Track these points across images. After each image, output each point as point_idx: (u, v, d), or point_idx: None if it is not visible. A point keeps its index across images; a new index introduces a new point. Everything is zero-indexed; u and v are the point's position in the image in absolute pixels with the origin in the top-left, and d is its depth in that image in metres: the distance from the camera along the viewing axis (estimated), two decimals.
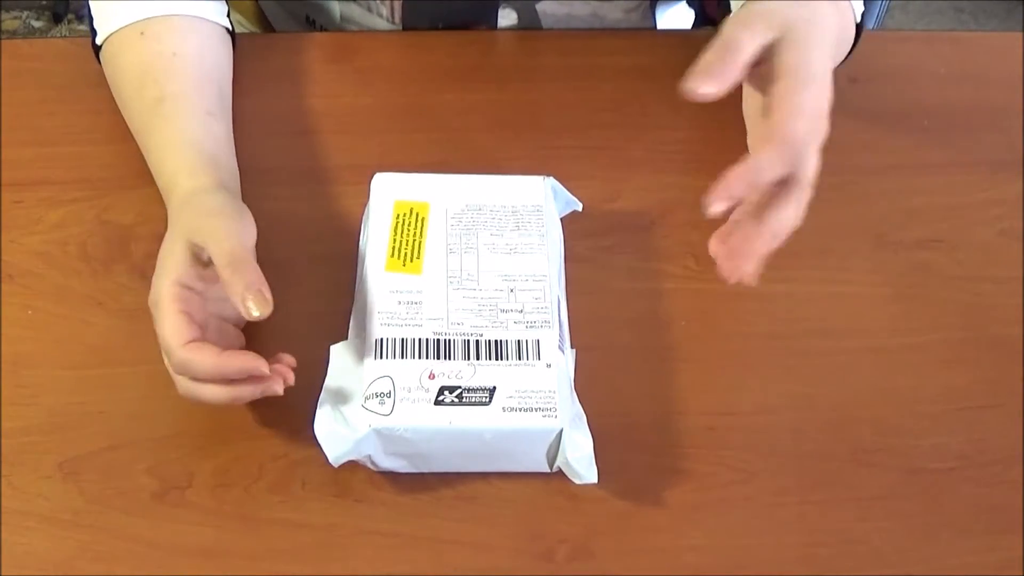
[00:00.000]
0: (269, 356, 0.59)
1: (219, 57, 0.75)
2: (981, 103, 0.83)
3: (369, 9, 0.85)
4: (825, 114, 0.58)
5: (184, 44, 0.73)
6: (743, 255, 0.58)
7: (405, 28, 0.85)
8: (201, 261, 0.60)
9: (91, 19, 0.75)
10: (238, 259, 0.58)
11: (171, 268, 0.60)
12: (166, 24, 0.73)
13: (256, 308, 0.57)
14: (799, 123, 0.57)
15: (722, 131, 0.77)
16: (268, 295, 0.57)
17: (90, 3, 0.75)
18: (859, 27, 0.72)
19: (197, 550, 0.59)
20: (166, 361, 0.60)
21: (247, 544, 0.59)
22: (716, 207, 0.56)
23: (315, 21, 0.90)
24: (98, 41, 0.74)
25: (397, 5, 0.84)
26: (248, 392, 0.58)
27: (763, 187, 0.57)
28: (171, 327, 0.58)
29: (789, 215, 0.58)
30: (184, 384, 0.59)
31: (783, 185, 0.57)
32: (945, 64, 0.85)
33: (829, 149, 0.79)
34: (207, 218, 0.61)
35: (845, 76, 0.82)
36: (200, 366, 0.57)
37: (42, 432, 0.63)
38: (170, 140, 0.68)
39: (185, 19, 0.74)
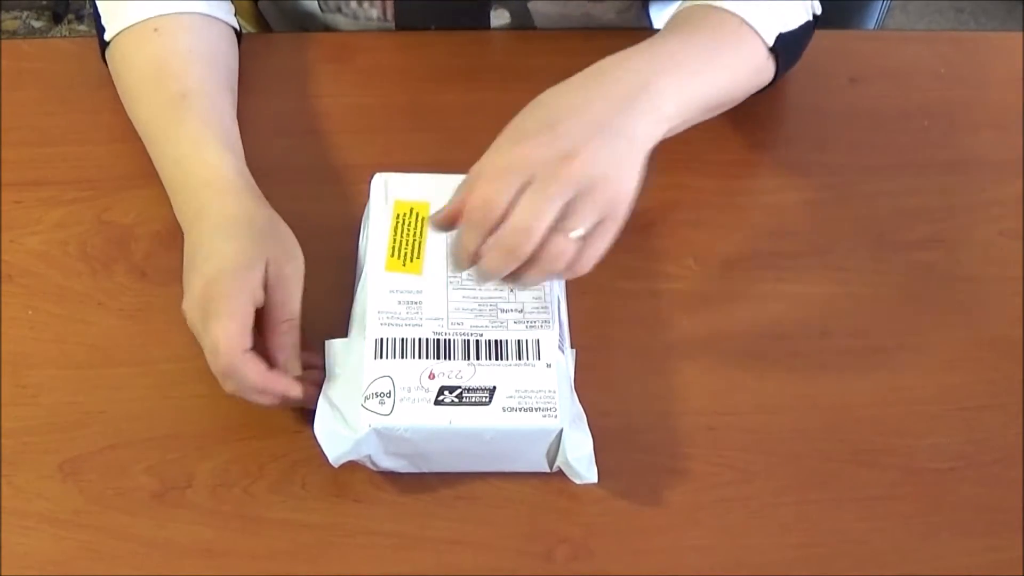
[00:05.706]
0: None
1: (229, 56, 0.76)
2: (981, 103, 0.83)
3: (356, 17, 0.85)
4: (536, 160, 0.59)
5: (199, 42, 0.73)
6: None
7: (398, 28, 0.85)
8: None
9: (97, 17, 0.75)
10: (297, 322, 0.62)
11: (253, 284, 0.60)
12: (179, 22, 0.73)
13: (294, 370, 0.61)
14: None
15: (721, 131, 0.78)
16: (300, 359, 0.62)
17: (96, 1, 0.75)
18: (793, 37, 0.71)
19: (197, 550, 0.59)
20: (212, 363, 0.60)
21: (247, 544, 0.59)
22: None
23: (308, 29, 0.90)
24: (107, 37, 0.74)
25: (389, 5, 0.84)
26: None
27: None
28: (236, 332, 0.59)
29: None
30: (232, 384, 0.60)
31: None
32: (945, 64, 0.85)
33: (830, 149, 0.79)
34: (289, 261, 0.63)
35: (845, 76, 0.82)
36: (248, 378, 0.59)
37: (42, 432, 0.63)
38: (202, 132, 0.69)
39: (197, 17, 0.74)
